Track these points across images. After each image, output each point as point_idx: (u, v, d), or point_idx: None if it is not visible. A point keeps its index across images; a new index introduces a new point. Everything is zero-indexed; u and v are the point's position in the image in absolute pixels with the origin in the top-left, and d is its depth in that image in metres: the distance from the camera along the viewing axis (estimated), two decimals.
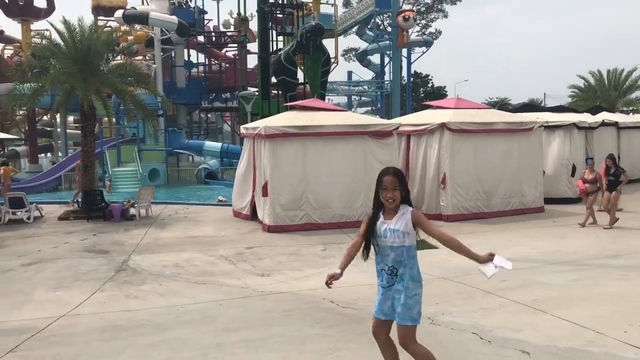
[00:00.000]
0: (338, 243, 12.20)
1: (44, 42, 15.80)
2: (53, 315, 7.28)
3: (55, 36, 16.24)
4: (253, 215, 15.01)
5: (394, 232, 4.13)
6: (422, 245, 11.92)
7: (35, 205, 16.16)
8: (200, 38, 38.73)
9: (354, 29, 44.16)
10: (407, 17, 36.66)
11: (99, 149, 28.48)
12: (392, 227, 4.13)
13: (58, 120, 38.29)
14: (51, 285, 9.20)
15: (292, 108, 15.97)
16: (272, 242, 12.49)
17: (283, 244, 12.29)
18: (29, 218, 15.61)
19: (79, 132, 41.42)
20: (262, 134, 13.67)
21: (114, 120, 21.39)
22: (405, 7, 47.95)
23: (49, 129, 39.93)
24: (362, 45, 58.12)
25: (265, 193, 13.73)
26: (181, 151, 30.53)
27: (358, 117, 14.95)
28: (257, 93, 23.40)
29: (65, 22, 15.63)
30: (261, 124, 14.39)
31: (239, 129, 45.42)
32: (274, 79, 35.29)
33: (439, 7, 63.88)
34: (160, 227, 14.67)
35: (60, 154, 38.63)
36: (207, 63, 40.67)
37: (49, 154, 41.50)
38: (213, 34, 40.95)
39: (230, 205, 18.14)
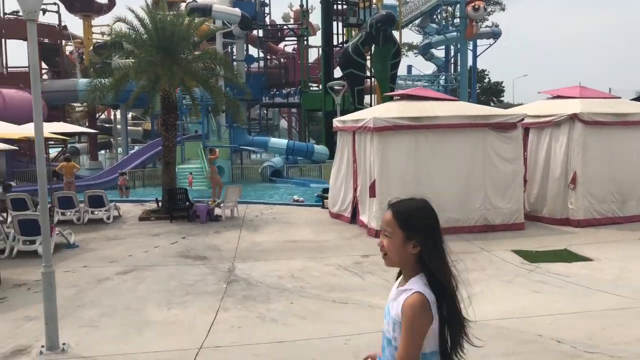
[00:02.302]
0: (466, 252, 10.48)
1: (123, 28, 14.54)
2: (189, 347, 5.83)
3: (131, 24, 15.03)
4: (352, 218, 13.46)
5: (387, 313, 2.25)
6: (569, 256, 10.13)
7: (114, 205, 15.00)
8: (259, 32, 37.42)
9: (416, 22, 42.17)
10: (477, 6, 34.56)
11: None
12: (389, 304, 2.24)
13: (118, 116, 37.75)
14: (161, 301, 7.82)
15: (393, 98, 14.32)
16: None
17: None
18: (108, 218, 14.44)
19: (138, 129, 41.01)
20: (369, 126, 12.06)
21: (199, 113, 20.15)
22: None
23: (108, 125, 39.41)
24: (415, 39, 56.10)
25: (372, 193, 12.13)
26: (247, 148, 29.32)
27: (475, 107, 13.20)
28: (344, 84, 21.65)
29: (147, 7, 14.39)
30: (365, 115, 12.80)
31: (297, 126, 44.50)
32: (337, 72, 33.86)
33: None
34: (253, 230, 13.25)
35: (119, 151, 38.04)
36: (266, 57, 39.37)
37: (107, 151, 41.05)
38: (269, 27, 39.62)
39: (315, 205, 16.76)
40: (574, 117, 12.59)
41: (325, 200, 15.64)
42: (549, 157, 13.11)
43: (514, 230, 12.22)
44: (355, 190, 13.35)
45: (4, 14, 31.60)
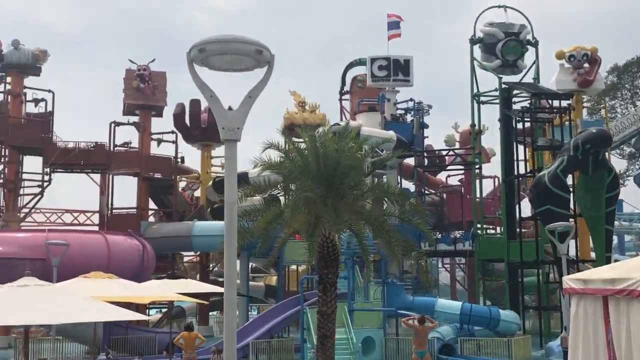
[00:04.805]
0: None
1: (274, 157, 14.57)
2: None
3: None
4: None
5: None
6: None
7: None
8: (416, 159, 37.60)
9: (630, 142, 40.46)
10: None
11: (298, 307, 27.06)
12: None
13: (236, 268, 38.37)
14: None
15: None
16: None
17: None
18: None
19: (259, 284, 41.42)
20: None
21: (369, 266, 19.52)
22: None
23: (221, 279, 40.11)
24: (618, 165, 53.77)
25: None
26: (405, 313, 27.95)
27: None
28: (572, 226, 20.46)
29: (306, 131, 14.48)
30: (629, 272, 11.06)
31: (465, 281, 42.61)
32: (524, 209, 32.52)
33: None
34: None
35: (236, 313, 38.14)
36: (424, 191, 39.10)
37: (218, 313, 41.45)
38: (427, 153, 39.72)
39: None
40: None
41: None
42: None
43: None
44: None
45: (114, 145, 34.45)
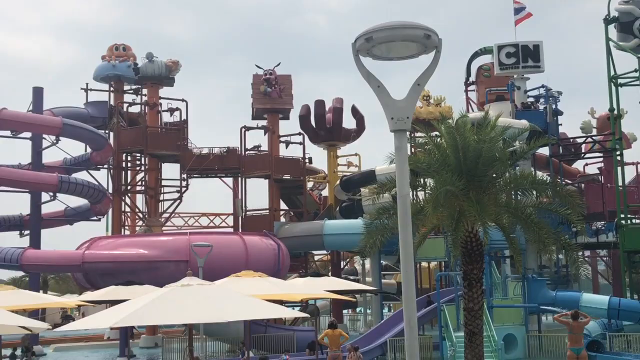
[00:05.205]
0: None
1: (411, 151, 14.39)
2: None
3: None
4: None
5: None
6: None
7: None
8: (551, 148, 36.07)
9: None
10: None
11: (435, 305, 26.65)
12: None
13: (367, 266, 38.54)
14: None
15: None
16: None
17: None
18: None
19: (391, 282, 41.35)
20: None
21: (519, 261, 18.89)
22: None
23: (352, 277, 40.35)
24: None
25: None
26: (547, 308, 26.99)
27: None
28: None
29: (446, 123, 14.22)
30: None
31: (610, 275, 40.43)
32: None
33: None
34: None
35: (368, 311, 38.38)
36: (561, 182, 37.52)
37: (350, 311, 41.76)
38: (562, 141, 38.00)
39: None
40: None
41: None
42: None
43: None
44: None
45: (245, 149, 35.40)
